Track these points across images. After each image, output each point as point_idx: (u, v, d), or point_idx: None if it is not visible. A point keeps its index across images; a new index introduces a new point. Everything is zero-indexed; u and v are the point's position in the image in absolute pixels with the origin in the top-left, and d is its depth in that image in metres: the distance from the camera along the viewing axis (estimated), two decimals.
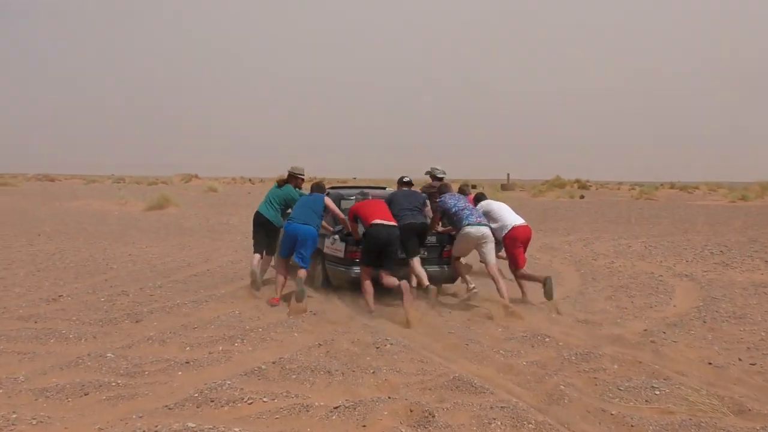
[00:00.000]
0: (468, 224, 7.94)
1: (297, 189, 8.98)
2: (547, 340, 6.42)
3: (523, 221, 8.50)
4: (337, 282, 8.55)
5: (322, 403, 4.59)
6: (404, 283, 7.45)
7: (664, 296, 8.78)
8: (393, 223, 7.72)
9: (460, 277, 8.54)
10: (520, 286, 8.44)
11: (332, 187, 10.34)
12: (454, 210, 8.09)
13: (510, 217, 8.46)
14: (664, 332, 6.75)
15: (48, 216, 23.25)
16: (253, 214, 9.00)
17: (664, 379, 5.20)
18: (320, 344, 6.13)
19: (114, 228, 19.09)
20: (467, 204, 8.31)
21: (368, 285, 7.67)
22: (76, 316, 7.18)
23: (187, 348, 6.04)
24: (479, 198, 8.93)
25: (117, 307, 7.71)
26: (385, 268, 7.72)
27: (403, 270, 7.99)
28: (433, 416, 4.32)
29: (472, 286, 8.26)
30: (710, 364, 5.74)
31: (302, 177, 9.12)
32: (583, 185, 68.03)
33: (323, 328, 6.87)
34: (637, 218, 25.66)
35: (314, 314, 7.41)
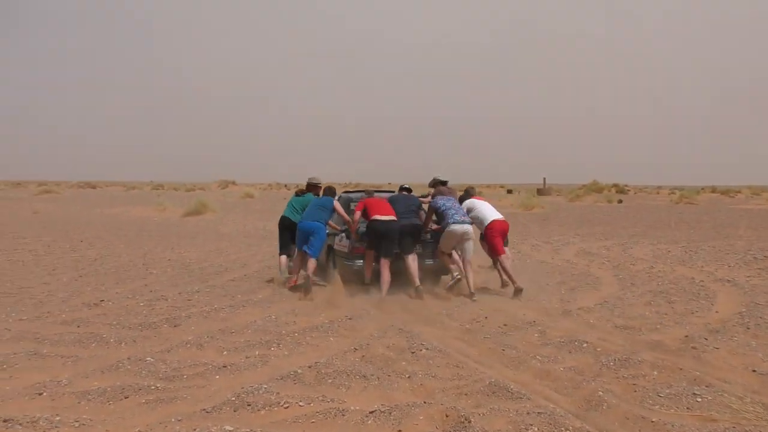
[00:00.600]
0: (453, 222, 8.92)
1: (315, 196, 10.01)
2: (584, 345, 6.33)
3: (501, 216, 9.63)
4: (342, 272, 9.45)
5: (357, 408, 4.60)
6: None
7: (706, 302, 8.59)
8: (391, 217, 8.85)
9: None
10: (500, 274, 9.63)
11: (345, 191, 11.49)
12: (442, 209, 9.14)
13: (489, 213, 9.62)
14: (706, 338, 6.60)
15: (89, 222, 23.77)
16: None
17: (706, 386, 5.09)
18: (356, 349, 6.14)
19: (153, 234, 19.43)
20: (454, 204, 9.34)
21: (380, 269, 8.76)
22: (117, 320, 7.33)
23: (225, 352, 6.11)
24: (464, 197, 10.02)
25: (156, 311, 7.84)
26: (384, 256, 8.77)
27: (395, 264, 8.99)
28: (470, 421, 4.29)
29: (456, 274, 9.17)
30: (754, 371, 5.59)
31: (320, 185, 10.25)
32: (621, 189, 67.17)
33: (359, 332, 6.89)
34: (677, 222, 25.24)
35: (350, 319, 7.43)
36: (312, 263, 9.05)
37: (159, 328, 6.98)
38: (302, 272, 9.26)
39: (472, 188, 10.51)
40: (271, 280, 10.04)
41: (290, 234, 9.78)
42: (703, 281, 10.25)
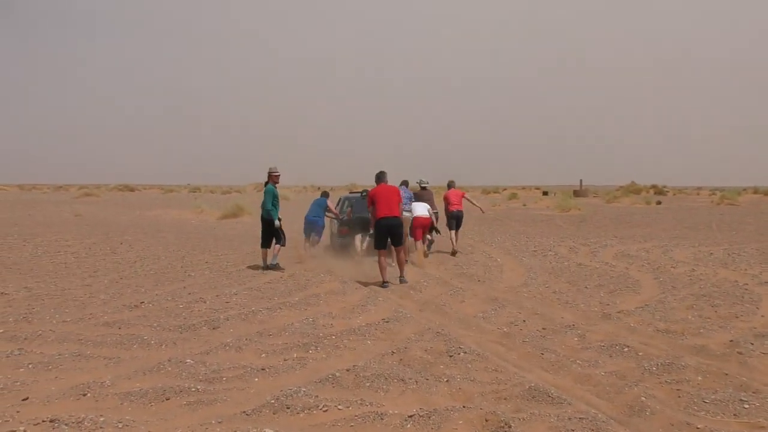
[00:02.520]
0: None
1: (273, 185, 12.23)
2: (625, 350, 6.22)
3: (425, 214, 13.24)
4: (334, 246, 14.77)
5: (396, 412, 4.58)
6: (400, 257, 10.56)
7: (751, 305, 8.37)
8: (395, 215, 10.34)
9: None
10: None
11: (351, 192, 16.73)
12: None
13: (416, 209, 13.24)
14: (752, 343, 6.42)
15: (129, 225, 24.19)
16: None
17: (753, 392, 4.96)
18: (393, 352, 6.13)
19: (191, 236, 19.69)
20: (408, 200, 13.36)
21: (383, 261, 10.36)
22: (157, 322, 7.43)
23: (263, 355, 6.15)
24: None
25: (195, 313, 7.94)
26: (394, 245, 10.48)
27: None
28: (510, 426, 4.24)
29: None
30: None
31: (276, 174, 12.24)
32: (659, 191, 66.12)
33: (396, 335, 6.88)
34: (718, 224, 24.73)
35: (386, 322, 7.43)
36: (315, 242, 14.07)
37: (198, 330, 7.06)
38: (309, 250, 13.96)
39: (452, 181, 15.45)
40: (306, 286, 10.12)
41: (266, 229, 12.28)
42: (747, 284, 10.00)
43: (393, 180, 11.17)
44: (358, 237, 13.65)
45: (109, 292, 9.39)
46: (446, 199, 15.16)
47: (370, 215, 10.83)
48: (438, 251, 14.96)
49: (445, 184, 15.61)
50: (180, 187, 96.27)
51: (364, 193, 14.16)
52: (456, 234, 15.03)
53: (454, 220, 15.18)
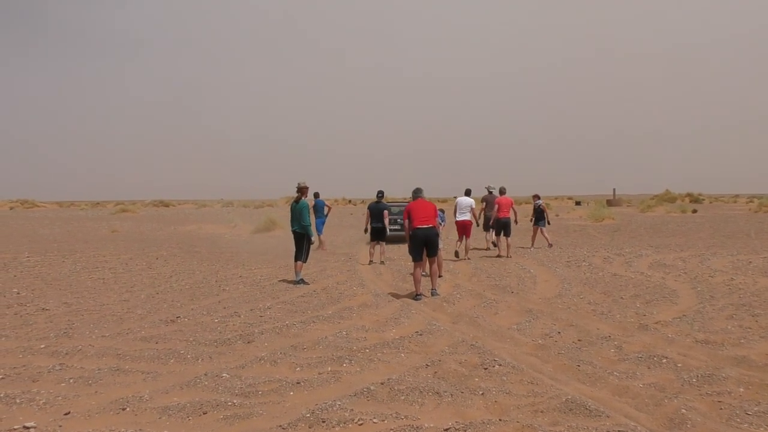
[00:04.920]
0: None
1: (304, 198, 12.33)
2: (664, 361, 6.12)
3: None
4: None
5: (432, 425, 4.57)
6: (434, 268, 10.73)
7: None
8: (431, 224, 10.29)
9: None
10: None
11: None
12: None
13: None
14: None
15: (164, 240, 24.55)
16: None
17: None
18: (428, 365, 6.12)
19: (225, 250, 19.91)
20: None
21: (418, 273, 10.31)
22: (193, 336, 7.52)
23: (297, 368, 6.18)
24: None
25: (230, 328, 8.01)
26: (429, 255, 10.43)
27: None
28: None
29: None
30: None
31: (307, 188, 12.29)
32: (695, 199, 65.09)
33: (430, 348, 6.86)
34: (757, 232, 24.22)
35: (420, 335, 7.42)
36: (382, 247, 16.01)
37: (233, 345, 7.13)
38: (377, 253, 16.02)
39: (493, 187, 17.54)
40: (339, 299, 10.15)
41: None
42: None
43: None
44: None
45: (146, 307, 9.54)
46: (498, 205, 16.55)
47: (404, 227, 10.68)
48: (486, 256, 14.95)
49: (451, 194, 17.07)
50: (213, 202, 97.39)
51: (380, 194, 15.99)
52: (506, 240, 16.69)
53: (502, 228, 16.41)
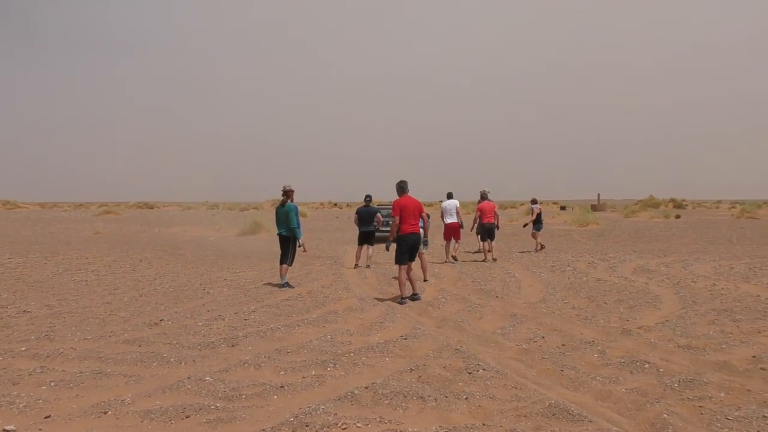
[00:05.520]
0: None
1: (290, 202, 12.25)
2: (646, 366, 6.16)
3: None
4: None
5: (415, 430, 4.56)
6: (414, 274, 10.56)
7: None
8: (417, 231, 10.35)
9: None
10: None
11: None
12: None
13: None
14: None
15: (148, 242, 24.38)
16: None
17: None
18: (412, 369, 6.11)
19: (209, 253, 19.81)
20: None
21: (403, 276, 10.22)
22: (176, 340, 7.47)
23: (282, 372, 6.15)
24: None
25: (214, 331, 7.97)
26: (412, 259, 10.36)
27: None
28: None
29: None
30: None
31: (293, 191, 12.27)
32: (678, 204, 65.68)
33: (414, 352, 6.86)
34: (739, 238, 24.47)
35: (404, 339, 7.42)
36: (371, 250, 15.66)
37: (217, 348, 7.09)
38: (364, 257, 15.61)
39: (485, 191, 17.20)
40: (324, 303, 10.13)
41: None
42: None
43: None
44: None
45: (129, 310, 9.46)
46: (479, 211, 16.54)
47: (391, 226, 10.44)
48: (474, 260, 15.00)
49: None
50: (198, 204, 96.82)
51: (368, 198, 15.76)
52: (490, 245, 16.27)
53: (487, 232, 16.51)
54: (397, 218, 10.16)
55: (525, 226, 21.82)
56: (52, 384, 5.76)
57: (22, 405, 5.15)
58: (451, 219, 16.62)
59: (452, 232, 16.67)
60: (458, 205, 16.75)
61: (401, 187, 10.40)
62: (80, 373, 6.08)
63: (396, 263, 10.29)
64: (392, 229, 10.31)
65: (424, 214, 10.92)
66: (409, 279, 10.44)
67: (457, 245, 16.87)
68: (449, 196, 16.89)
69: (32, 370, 6.17)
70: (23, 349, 7.03)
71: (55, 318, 8.86)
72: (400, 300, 10.09)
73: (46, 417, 4.90)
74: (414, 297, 10.32)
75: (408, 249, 10.22)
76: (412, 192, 10.44)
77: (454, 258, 16.66)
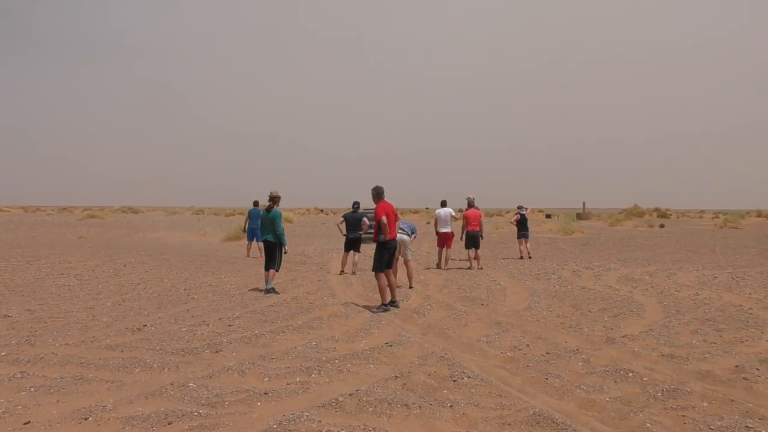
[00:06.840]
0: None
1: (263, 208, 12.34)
2: (630, 375, 6.18)
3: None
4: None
5: None
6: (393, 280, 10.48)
7: (756, 330, 8.33)
8: (395, 237, 10.39)
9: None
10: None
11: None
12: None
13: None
14: (758, 368, 6.38)
15: (132, 247, 24.21)
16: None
17: (760, 419, 4.91)
18: (397, 376, 6.10)
19: (194, 258, 19.69)
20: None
21: (383, 282, 10.16)
22: (160, 345, 7.40)
23: (266, 379, 6.11)
24: None
25: (198, 337, 7.91)
26: (390, 266, 10.38)
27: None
28: None
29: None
30: None
31: (279, 197, 12.25)
32: (662, 213, 66.22)
33: (399, 359, 6.84)
34: (722, 248, 24.69)
35: (389, 346, 7.40)
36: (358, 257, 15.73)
37: (201, 354, 7.03)
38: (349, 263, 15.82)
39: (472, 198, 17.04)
40: (309, 309, 10.09)
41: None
42: (751, 309, 9.96)
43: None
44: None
45: (112, 315, 9.37)
46: (465, 219, 16.59)
47: (374, 231, 10.31)
48: (459, 268, 15.01)
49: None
50: (183, 209, 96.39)
51: (356, 205, 16.00)
52: (476, 253, 16.33)
53: (471, 240, 16.54)
54: (384, 218, 10.02)
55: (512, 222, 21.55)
56: (32, 389, 5.68)
57: (0, 411, 5.08)
58: (445, 228, 16.63)
59: (446, 240, 16.71)
60: (453, 213, 16.75)
61: (378, 193, 10.33)
62: (61, 378, 6.00)
63: (374, 270, 10.27)
64: (375, 230, 10.19)
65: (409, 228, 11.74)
66: (390, 285, 10.33)
67: (448, 253, 16.89)
68: (443, 204, 16.88)
69: (12, 375, 6.09)
70: (3, 354, 6.94)
71: (37, 323, 8.76)
72: (382, 307, 10.04)
73: (25, 423, 4.83)
74: (392, 303, 10.25)
75: (390, 256, 10.26)
76: (398, 199, 10.57)
77: (438, 266, 16.72)
